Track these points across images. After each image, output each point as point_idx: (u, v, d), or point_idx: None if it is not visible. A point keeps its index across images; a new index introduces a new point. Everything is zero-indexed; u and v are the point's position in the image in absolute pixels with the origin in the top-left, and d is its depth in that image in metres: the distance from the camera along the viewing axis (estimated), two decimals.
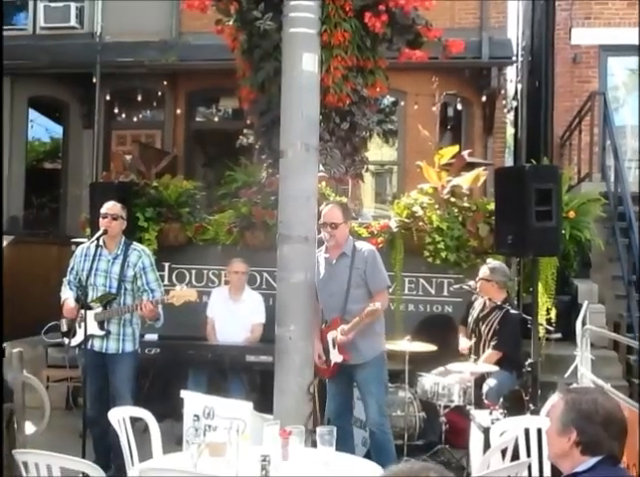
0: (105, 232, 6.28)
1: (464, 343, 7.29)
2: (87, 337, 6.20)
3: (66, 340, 6.48)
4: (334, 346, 5.99)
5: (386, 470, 2.28)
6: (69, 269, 6.59)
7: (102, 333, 6.28)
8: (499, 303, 7.11)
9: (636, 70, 12.62)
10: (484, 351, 7.07)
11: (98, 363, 6.34)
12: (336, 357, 6.00)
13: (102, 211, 6.40)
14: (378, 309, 5.72)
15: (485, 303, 7.25)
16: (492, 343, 7.02)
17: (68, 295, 6.45)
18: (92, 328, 6.23)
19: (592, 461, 2.82)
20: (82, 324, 6.13)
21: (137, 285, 6.37)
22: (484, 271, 7.23)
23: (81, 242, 7.12)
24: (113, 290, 6.31)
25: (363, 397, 6.16)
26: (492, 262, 7.32)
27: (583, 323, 7.22)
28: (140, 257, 6.39)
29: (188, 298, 6.16)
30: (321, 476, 4.09)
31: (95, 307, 6.28)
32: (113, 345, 6.33)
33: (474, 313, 7.33)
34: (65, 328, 6.48)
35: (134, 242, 6.63)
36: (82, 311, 6.15)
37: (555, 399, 2.99)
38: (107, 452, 6.27)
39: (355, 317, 5.83)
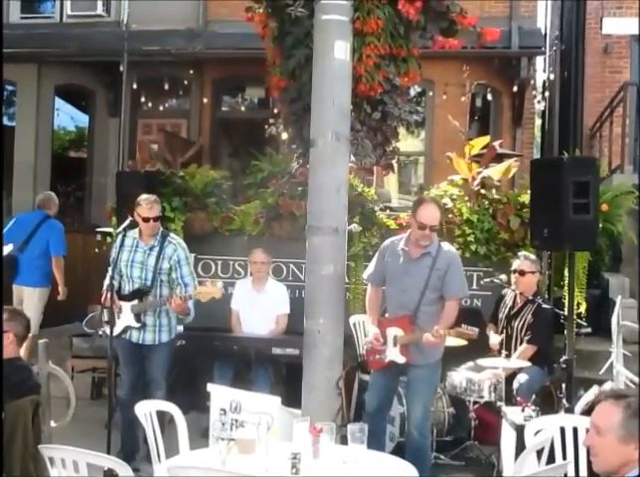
0: (134, 223, 6.28)
1: (495, 339, 7.10)
2: (125, 328, 6.32)
3: (107, 329, 6.43)
4: (395, 344, 5.74)
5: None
6: (111, 259, 6.53)
7: (139, 325, 6.36)
8: (530, 297, 6.96)
9: None
10: (516, 347, 6.90)
11: (136, 352, 6.46)
12: (397, 356, 5.74)
13: (149, 213, 6.31)
14: (473, 335, 5.62)
15: (516, 298, 7.08)
16: (526, 338, 6.87)
17: (107, 285, 6.42)
18: (129, 320, 6.33)
19: None
20: (120, 315, 6.27)
21: (172, 278, 6.41)
22: (526, 264, 6.99)
23: (107, 232, 7.09)
24: (148, 282, 6.36)
25: (410, 396, 5.93)
26: (526, 253, 7.15)
27: (617, 319, 7.07)
28: (176, 250, 6.41)
29: (213, 295, 6.17)
30: (355, 476, 3.99)
31: (132, 300, 6.35)
32: (149, 336, 6.42)
33: (505, 310, 7.14)
34: (106, 318, 6.45)
35: (171, 234, 6.65)
36: (120, 302, 6.29)
37: (604, 405, 2.86)
38: (134, 441, 6.32)
39: (424, 320, 5.70)
